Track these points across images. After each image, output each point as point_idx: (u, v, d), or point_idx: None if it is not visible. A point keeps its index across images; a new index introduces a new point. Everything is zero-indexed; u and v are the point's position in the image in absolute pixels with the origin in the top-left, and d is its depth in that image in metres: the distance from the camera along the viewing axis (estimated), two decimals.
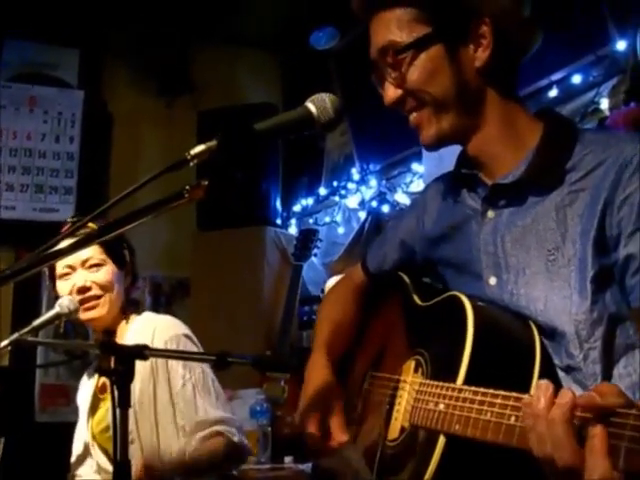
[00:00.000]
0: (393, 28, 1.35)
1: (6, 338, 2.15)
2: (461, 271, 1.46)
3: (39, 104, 4.28)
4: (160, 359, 2.14)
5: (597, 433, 0.89)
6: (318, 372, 1.62)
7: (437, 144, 1.41)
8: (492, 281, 1.37)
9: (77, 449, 2.32)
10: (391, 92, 1.38)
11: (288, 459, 3.28)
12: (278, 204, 4.47)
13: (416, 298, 1.53)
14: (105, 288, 2.25)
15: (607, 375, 1.23)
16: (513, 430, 1.02)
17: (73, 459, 2.32)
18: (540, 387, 0.98)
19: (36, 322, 2.19)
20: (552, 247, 1.28)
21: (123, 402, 1.63)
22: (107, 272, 2.27)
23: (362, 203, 3.92)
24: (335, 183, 4.19)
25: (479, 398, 1.12)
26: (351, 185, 3.99)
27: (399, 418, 1.39)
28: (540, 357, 1.24)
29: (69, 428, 2.43)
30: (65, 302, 2.22)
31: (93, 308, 2.25)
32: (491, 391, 1.10)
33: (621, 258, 1.21)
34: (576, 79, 2.42)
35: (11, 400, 4.02)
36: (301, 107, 1.22)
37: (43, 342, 2.13)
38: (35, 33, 4.32)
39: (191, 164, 1.13)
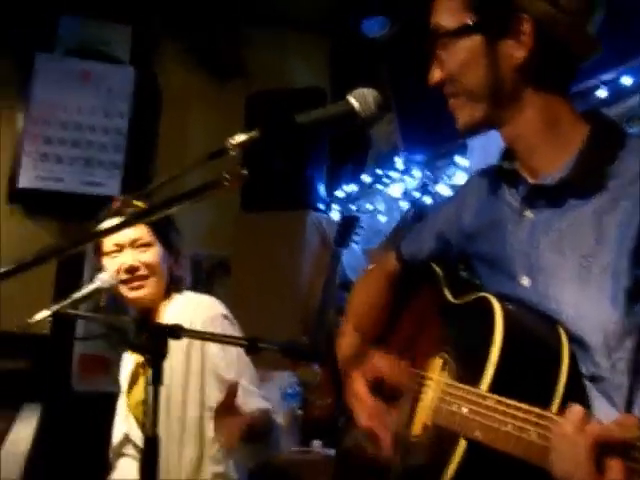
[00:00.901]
0: (443, 11, 1.37)
1: (48, 308, 2.23)
2: (495, 268, 1.46)
3: (90, 79, 4.34)
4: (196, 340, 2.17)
5: (614, 465, 0.92)
6: (350, 341, 1.70)
7: (470, 131, 1.43)
8: (525, 282, 1.37)
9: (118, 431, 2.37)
10: (435, 73, 1.40)
11: (317, 443, 3.31)
12: (322, 189, 4.48)
13: (447, 293, 1.54)
14: (153, 269, 2.29)
15: (633, 388, 1.22)
16: (533, 446, 1.04)
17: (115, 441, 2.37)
18: (572, 411, 1.01)
19: (76, 295, 2.25)
20: (587, 253, 1.26)
21: (156, 379, 1.68)
22: (155, 253, 2.31)
23: (405, 193, 3.91)
24: (379, 171, 4.18)
25: (502, 408, 1.13)
26: (394, 174, 3.98)
27: (422, 415, 1.40)
28: (568, 366, 1.22)
29: (105, 398, 2.49)
30: (105, 277, 2.27)
31: (140, 288, 2.29)
32: (514, 403, 1.11)
33: None
34: (626, 80, 2.38)
35: (50, 369, 4.12)
36: (343, 101, 1.23)
37: (82, 315, 2.17)
38: (89, 10, 4.39)
39: (232, 153, 1.16)
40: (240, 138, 1.16)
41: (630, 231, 1.22)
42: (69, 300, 2.24)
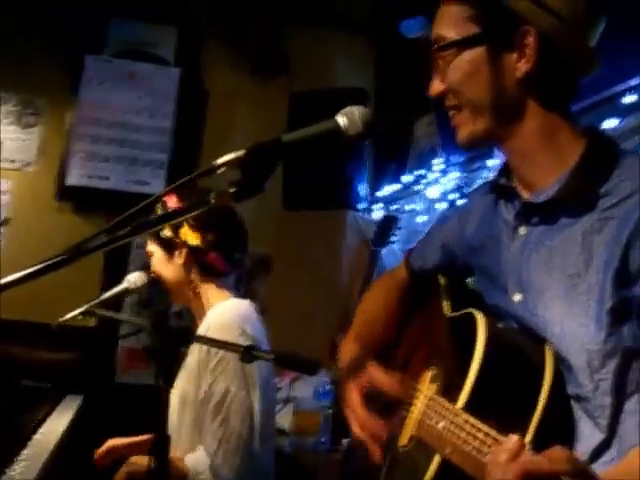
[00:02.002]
0: (446, 22, 1.36)
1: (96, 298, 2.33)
2: (493, 282, 1.47)
3: (136, 80, 4.44)
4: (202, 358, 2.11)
5: None
6: (351, 349, 1.70)
7: (470, 146, 1.42)
8: (516, 298, 1.37)
9: None
10: (436, 84, 1.39)
11: (346, 441, 3.34)
12: (362, 189, 4.50)
13: (445, 305, 1.55)
14: (159, 276, 2.35)
15: (617, 409, 1.21)
16: (484, 468, 1.05)
17: None
18: (508, 440, 1.01)
19: (105, 295, 2.35)
20: (574, 272, 1.26)
21: (166, 381, 1.75)
22: (156, 261, 2.35)
23: (443, 194, 3.90)
24: (418, 172, 4.18)
25: (467, 428, 1.14)
26: (432, 175, 3.98)
27: (410, 426, 1.41)
28: (549, 386, 1.22)
29: (146, 390, 2.55)
30: (133, 278, 2.36)
31: (169, 294, 2.40)
32: (478, 424, 1.12)
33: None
34: None
35: (95, 361, 4.25)
36: (330, 120, 1.25)
37: (106, 315, 2.24)
38: (137, 12, 4.50)
39: (218, 172, 1.20)
40: (226, 158, 1.20)
41: (616, 252, 1.20)
42: (97, 300, 2.33)
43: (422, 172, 4.12)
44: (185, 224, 2.24)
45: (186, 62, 4.61)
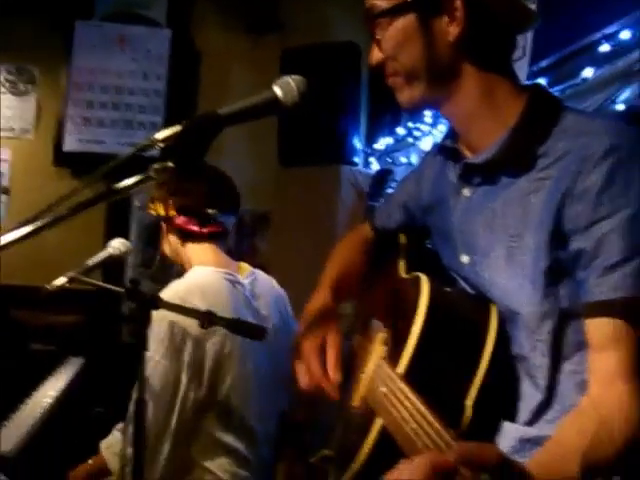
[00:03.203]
0: None
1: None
2: (445, 243, 1.48)
3: (128, 43, 4.46)
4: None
5: None
6: (320, 301, 1.63)
7: (411, 109, 1.43)
8: (464, 259, 1.39)
9: None
10: (375, 53, 1.38)
11: None
12: (357, 143, 4.51)
13: (401, 267, 1.55)
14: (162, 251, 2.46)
15: (555, 369, 1.24)
16: (415, 453, 1.03)
17: None
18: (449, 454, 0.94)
19: (89, 262, 2.39)
20: (514, 233, 1.27)
21: (139, 345, 1.81)
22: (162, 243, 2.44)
23: (435, 146, 3.89)
24: (410, 124, 4.17)
25: (401, 397, 1.14)
26: (424, 127, 3.97)
27: (362, 387, 1.42)
28: (492, 347, 1.23)
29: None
30: (116, 244, 2.40)
31: None
32: (411, 396, 1.12)
33: (573, 252, 1.19)
34: (625, 35, 2.31)
35: (99, 323, 4.34)
36: (267, 90, 1.28)
37: (87, 281, 2.28)
38: None
39: (157, 148, 1.24)
40: (163, 133, 1.24)
41: (550, 212, 1.21)
42: (83, 267, 2.38)
43: (414, 125, 4.11)
44: (154, 197, 2.32)
45: (177, 23, 4.61)
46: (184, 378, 2.02)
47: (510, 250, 1.28)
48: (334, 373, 1.44)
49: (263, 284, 2.40)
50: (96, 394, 2.50)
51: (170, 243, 2.38)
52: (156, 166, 1.25)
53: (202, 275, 2.21)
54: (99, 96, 4.42)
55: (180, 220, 2.29)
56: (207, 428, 2.09)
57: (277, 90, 1.26)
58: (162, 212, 2.30)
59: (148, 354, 1.84)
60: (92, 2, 4.48)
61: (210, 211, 2.31)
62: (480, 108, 1.34)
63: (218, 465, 2.10)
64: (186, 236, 2.32)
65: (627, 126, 1.25)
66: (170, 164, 1.24)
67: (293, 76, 1.28)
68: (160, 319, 1.94)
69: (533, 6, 1.36)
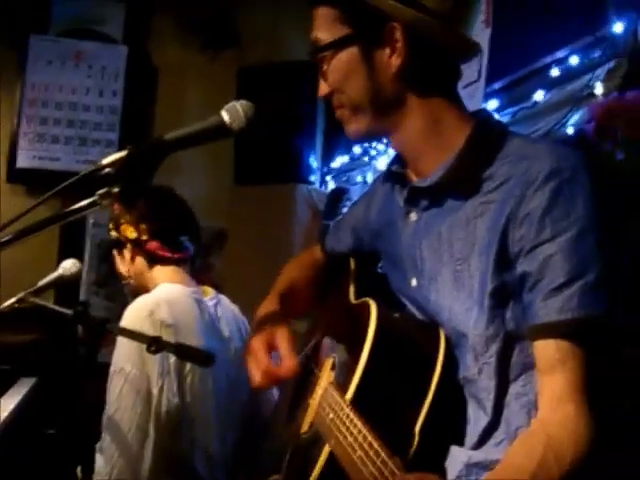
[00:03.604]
0: (320, 25, 1.38)
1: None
2: (395, 268, 1.49)
3: (84, 59, 4.42)
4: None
5: None
6: (269, 306, 1.64)
7: (359, 140, 1.46)
8: (413, 283, 1.40)
9: None
10: (322, 86, 1.41)
11: None
12: (313, 161, 4.52)
13: (351, 291, 1.56)
14: (119, 274, 2.44)
15: (502, 392, 1.24)
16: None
17: None
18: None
19: (41, 283, 2.36)
20: (460, 257, 1.28)
21: (88, 370, 1.79)
22: (115, 262, 2.44)
23: (383, 172, 3.90)
24: (366, 143, 4.19)
25: (348, 423, 1.15)
26: (380, 146, 3.99)
27: (310, 413, 1.42)
28: (440, 371, 1.24)
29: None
30: (67, 264, 2.37)
31: None
32: (365, 432, 1.12)
33: (518, 275, 1.20)
34: (574, 60, 2.35)
35: (53, 343, 4.25)
36: (214, 116, 1.28)
37: (38, 303, 2.26)
38: None
39: (103, 172, 1.24)
40: (109, 159, 1.23)
41: (495, 235, 1.23)
42: (34, 287, 2.35)
43: (370, 144, 4.12)
44: (123, 220, 2.31)
45: (134, 39, 4.58)
46: (156, 387, 2.03)
47: (456, 274, 1.29)
48: (289, 360, 1.42)
49: (226, 308, 2.42)
50: (49, 414, 2.45)
51: (134, 265, 2.38)
52: (101, 191, 1.24)
53: (170, 291, 2.22)
54: (53, 112, 4.37)
55: (152, 245, 2.30)
56: (164, 443, 2.07)
57: (224, 115, 1.27)
58: (132, 235, 2.30)
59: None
60: (48, 17, 4.43)
61: (182, 237, 2.34)
62: (426, 137, 1.36)
63: None
64: (155, 260, 2.33)
65: (571, 150, 1.27)
66: (115, 189, 1.23)
67: (241, 101, 1.28)
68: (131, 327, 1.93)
69: (476, 35, 1.38)
